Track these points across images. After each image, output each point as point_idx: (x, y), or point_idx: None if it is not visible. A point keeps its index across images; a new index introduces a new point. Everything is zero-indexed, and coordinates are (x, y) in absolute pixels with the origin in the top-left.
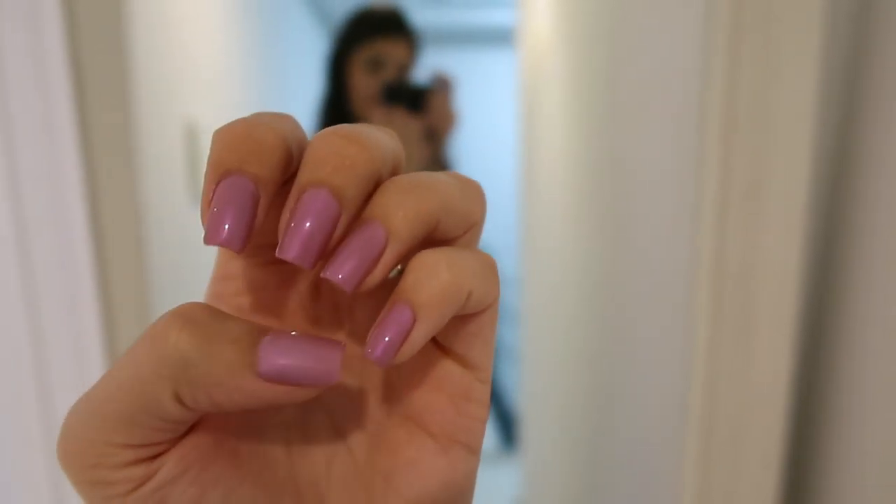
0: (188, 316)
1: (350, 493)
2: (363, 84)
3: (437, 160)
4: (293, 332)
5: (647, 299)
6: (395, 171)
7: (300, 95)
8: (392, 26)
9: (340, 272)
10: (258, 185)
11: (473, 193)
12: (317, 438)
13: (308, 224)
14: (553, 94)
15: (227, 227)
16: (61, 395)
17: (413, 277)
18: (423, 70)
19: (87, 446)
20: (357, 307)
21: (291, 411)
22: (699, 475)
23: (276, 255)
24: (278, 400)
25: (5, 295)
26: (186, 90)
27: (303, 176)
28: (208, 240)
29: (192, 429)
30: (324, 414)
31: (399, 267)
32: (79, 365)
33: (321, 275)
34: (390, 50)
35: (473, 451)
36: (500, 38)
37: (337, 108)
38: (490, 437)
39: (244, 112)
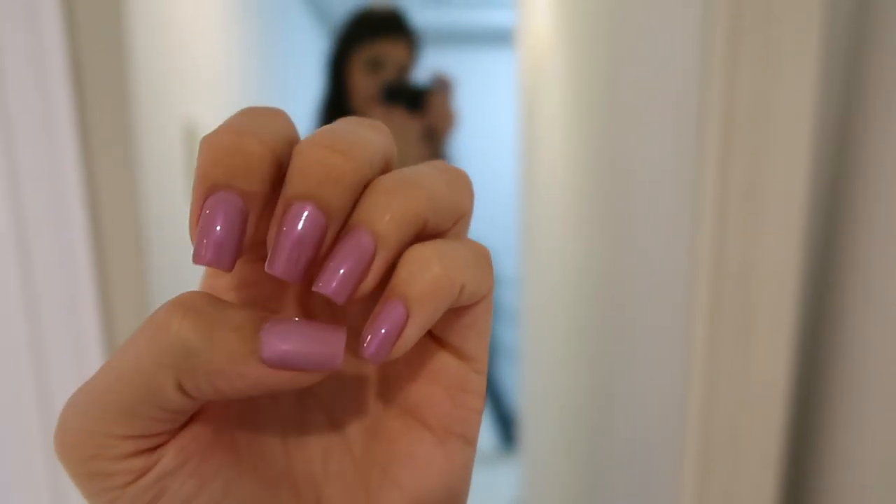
0: (189, 305)
1: (347, 486)
2: (363, 84)
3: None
4: (295, 318)
5: (646, 299)
6: (386, 168)
7: (300, 95)
8: (392, 27)
9: (331, 285)
10: (246, 201)
11: (460, 184)
12: (313, 432)
13: (294, 239)
14: (553, 95)
15: (215, 246)
16: (61, 395)
17: (405, 272)
18: (423, 70)
19: (85, 437)
20: (351, 301)
21: (288, 405)
22: (699, 475)
23: (265, 269)
24: (282, 386)
25: (5, 295)
26: (186, 90)
27: (288, 189)
28: (197, 259)
29: (191, 420)
30: (320, 408)
31: None
32: (79, 365)
33: (312, 289)
34: (390, 50)
35: (470, 442)
36: (500, 38)
37: (337, 108)
38: (490, 438)
39: None
